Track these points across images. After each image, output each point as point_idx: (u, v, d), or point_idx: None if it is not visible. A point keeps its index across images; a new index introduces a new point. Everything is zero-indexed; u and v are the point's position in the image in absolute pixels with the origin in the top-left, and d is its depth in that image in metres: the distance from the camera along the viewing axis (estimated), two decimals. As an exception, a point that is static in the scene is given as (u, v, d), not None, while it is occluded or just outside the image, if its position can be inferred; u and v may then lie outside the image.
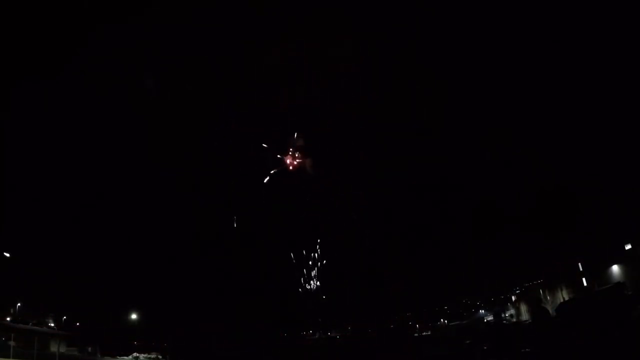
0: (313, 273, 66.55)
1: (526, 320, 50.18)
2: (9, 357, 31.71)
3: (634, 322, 25.89)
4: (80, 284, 53.46)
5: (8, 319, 51.65)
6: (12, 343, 33.64)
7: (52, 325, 57.35)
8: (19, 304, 54.25)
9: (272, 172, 57.29)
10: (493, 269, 55.24)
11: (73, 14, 46.60)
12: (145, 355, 53.27)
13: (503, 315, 59.57)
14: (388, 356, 47.96)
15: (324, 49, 55.08)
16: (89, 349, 50.88)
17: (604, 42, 43.20)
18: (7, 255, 50.43)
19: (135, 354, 52.61)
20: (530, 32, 49.52)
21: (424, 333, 64.73)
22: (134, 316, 58.25)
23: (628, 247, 38.25)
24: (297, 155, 57.72)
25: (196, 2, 51.83)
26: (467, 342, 43.71)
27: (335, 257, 63.78)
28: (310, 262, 68.33)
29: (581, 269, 44.38)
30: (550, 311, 44.63)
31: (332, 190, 61.79)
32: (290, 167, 57.69)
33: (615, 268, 38.91)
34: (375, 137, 62.48)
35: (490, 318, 61.16)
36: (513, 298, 59.86)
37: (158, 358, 53.65)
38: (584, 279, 43.67)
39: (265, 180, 57.45)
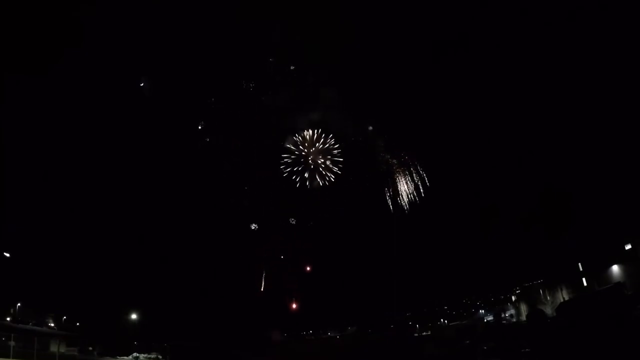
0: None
1: (526, 321, 50.22)
2: (9, 357, 31.68)
3: (634, 322, 25.92)
4: (80, 284, 53.42)
5: (8, 319, 51.61)
6: (12, 343, 33.57)
7: (52, 325, 57.27)
8: (19, 304, 54.19)
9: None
10: (493, 269, 55.26)
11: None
12: (145, 355, 53.20)
13: (503, 315, 59.56)
14: (388, 356, 47.98)
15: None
16: (89, 348, 50.88)
17: (602, 48, 43.55)
18: (7, 255, 50.46)
19: (135, 354, 52.53)
20: (531, 35, 49.75)
21: (424, 333, 64.67)
22: (134, 316, 58.22)
23: (628, 247, 38.30)
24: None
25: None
26: (467, 342, 43.82)
27: (335, 257, 63.60)
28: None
29: (581, 269, 44.42)
30: (550, 311, 44.73)
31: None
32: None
33: (615, 268, 38.93)
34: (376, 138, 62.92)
35: (490, 318, 61.16)
36: (513, 298, 59.84)
37: (158, 358, 53.56)
38: (584, 279, 43.69)
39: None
